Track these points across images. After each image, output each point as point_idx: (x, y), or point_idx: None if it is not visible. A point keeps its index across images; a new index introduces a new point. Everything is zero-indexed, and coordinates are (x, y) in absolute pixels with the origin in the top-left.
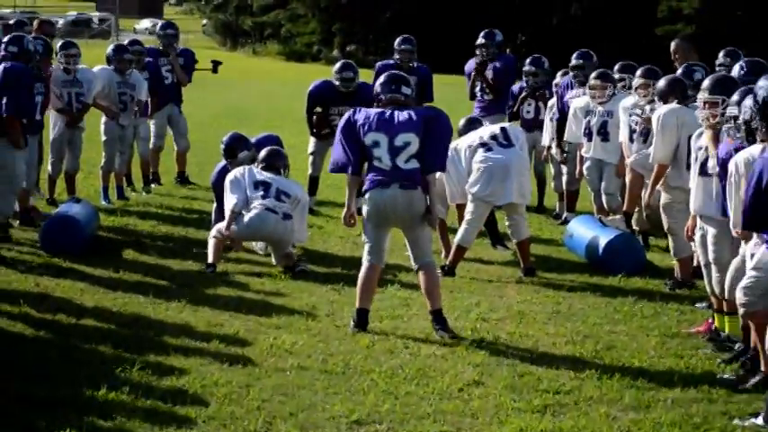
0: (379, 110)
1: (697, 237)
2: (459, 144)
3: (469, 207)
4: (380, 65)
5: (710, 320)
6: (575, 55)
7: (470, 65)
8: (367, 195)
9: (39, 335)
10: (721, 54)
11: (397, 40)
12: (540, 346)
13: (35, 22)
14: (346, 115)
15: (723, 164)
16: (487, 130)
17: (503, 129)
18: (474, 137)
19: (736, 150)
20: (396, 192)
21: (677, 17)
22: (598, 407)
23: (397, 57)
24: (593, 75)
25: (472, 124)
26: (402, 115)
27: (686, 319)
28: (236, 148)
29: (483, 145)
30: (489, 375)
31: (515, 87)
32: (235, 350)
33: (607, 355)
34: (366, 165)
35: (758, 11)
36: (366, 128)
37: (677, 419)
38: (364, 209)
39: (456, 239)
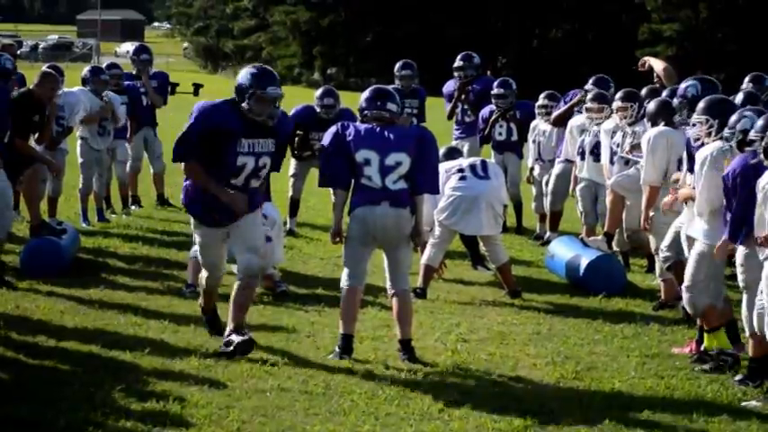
0: (368, 125)
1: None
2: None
3: (435, 230)
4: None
5: (696, 341)
6: (591, 80)
7: (449, 86)
8: (354, 213)
9: (19, 357)
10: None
11: (397, 65)
12: (520, 367)
13: None
14: (334, 129)
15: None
16: (468, 160)
17: (483, 161)
18: (454, 163)
19: (745, 166)
20: (386, 209)
21: (658, 39)
22: (578, 427)
23: (398, 83)
24: (590, 96)
25: (451, 154)
26: (393, 133)
27: (667, 340)
28: None
29: (459, 171)
30: (469, 396)
31: (485, 111)
32: (215, 371)
33: (587, 375)
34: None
35: (738, 34)
36: (357, 143)
37: None
38: (350, 228)
39: (423, 260)
